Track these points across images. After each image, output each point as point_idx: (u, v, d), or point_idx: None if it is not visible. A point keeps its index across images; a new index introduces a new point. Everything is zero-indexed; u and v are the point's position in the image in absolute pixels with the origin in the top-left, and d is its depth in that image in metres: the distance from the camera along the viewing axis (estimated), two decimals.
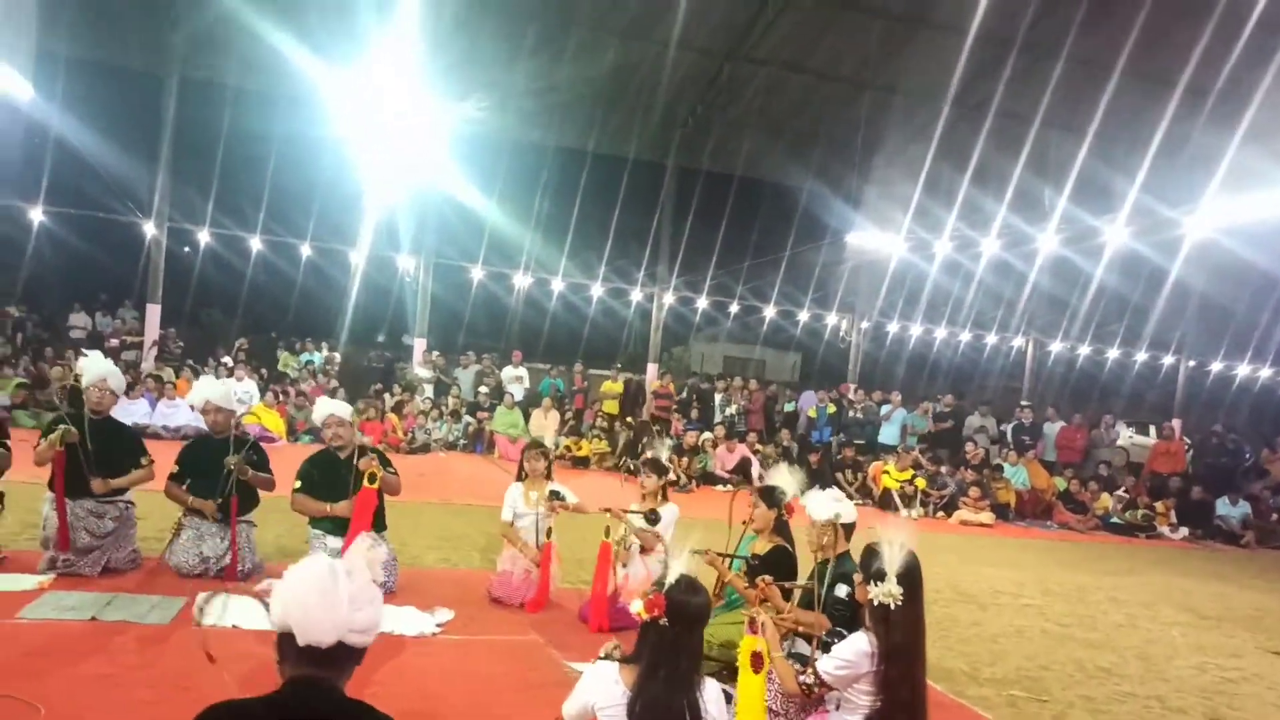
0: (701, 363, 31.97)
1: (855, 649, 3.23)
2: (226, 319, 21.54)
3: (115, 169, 16.83)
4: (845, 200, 19.31)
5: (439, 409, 15.89)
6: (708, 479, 13.77)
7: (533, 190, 18.95)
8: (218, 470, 5.91)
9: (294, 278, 18.93)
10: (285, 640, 2.11)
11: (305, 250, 18.43)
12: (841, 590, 4.21)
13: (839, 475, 13.41)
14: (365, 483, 5.89)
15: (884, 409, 15.78)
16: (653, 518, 5.90)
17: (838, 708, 3.37)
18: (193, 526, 5.92)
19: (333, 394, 15.70)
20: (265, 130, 17.14)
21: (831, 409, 15.77)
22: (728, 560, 5.00)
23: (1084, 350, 23.30)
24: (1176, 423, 17.47)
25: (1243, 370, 23.72)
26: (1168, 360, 23.48)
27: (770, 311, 21.74)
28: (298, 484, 6.07)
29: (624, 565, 5.89)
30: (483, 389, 16.79)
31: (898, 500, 12.57)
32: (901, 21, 15.95)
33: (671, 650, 2.68)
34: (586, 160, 19.15)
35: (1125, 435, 18.77)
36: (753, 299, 21.78)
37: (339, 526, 5.97)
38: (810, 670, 3.30)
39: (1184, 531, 13.33)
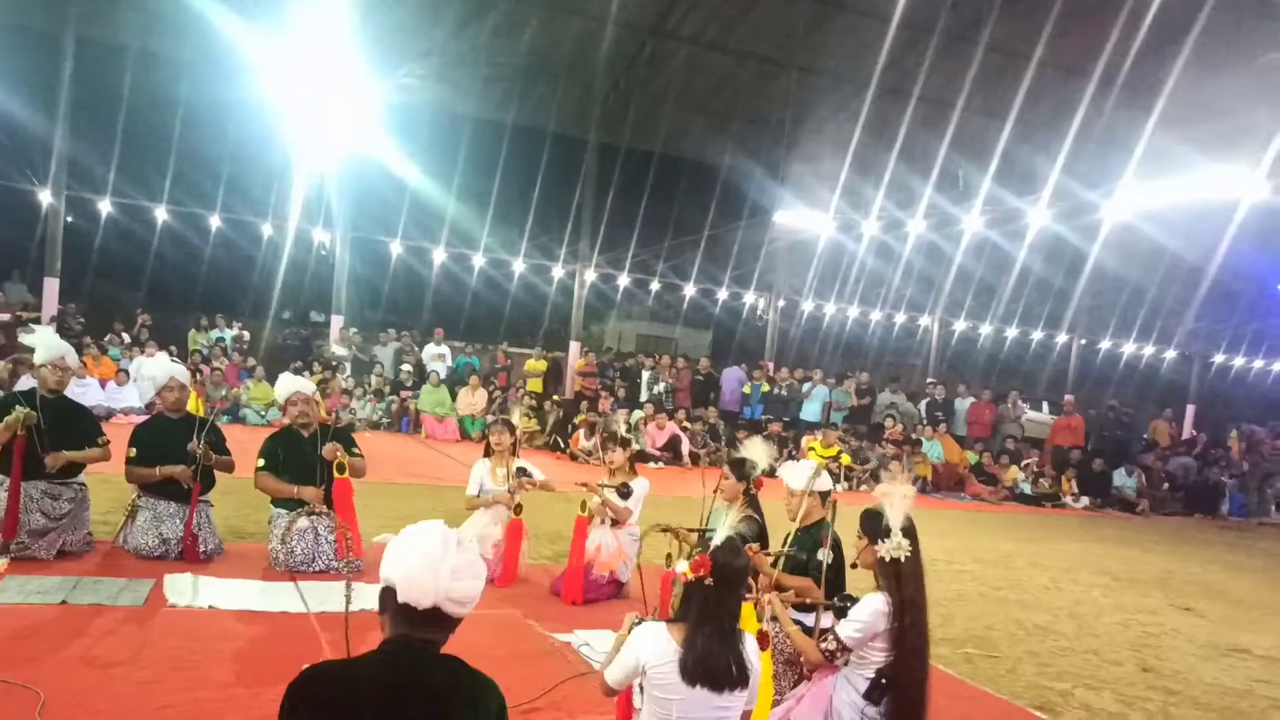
0: (618, 341, 32.10)
1: (872, 609, 3.42)
2: (128, 293, 20.56)
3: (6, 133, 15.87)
4: (766, 179, 19.64)
5: (362, 387, 15.62)
6: (639, 456, 13.92)
7: (452, 163, 18.64)
8: (179, 452, 5.74)
9: (202, 250, 18.22)
10: (387, 595, 2.18)
11: (214, 222, 17.77)
12: (822, 555, 4.42)
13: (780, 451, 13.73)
14: (335, 473, 5.83)
15: (805, 386, 16.21)
16: (625, 491, 6.01)
17: (845, 664, 3.56)
18: (149, 508, 5.75)
19: (251, 371, 15.34)
20: (171, 95, 16.36)
21: (765, 387, 16.12)
22: (697, 534, 5.17)
23: (985, 329, 24.33)
24: (1069, 398, 18.46)
25: (1129, 348, 25.19)
26: (1061, 338, 24.78)
27: (690, 289, 22.03)
28: (261, 463, 5.95)
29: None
30: (405, 367, 16.56)
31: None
32: (823, 3, 16.31)
33: (717, 608, 2.82)
34: (506, 134, 18.94)
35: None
36: (674, 277, 22.02)
37: (298, 506, 5.89)
38: (830, 637, 3.47)
39: (1085, 501, 14.20)
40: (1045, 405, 22.34)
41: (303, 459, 5.96)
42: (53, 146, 15.98)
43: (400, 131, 17.24)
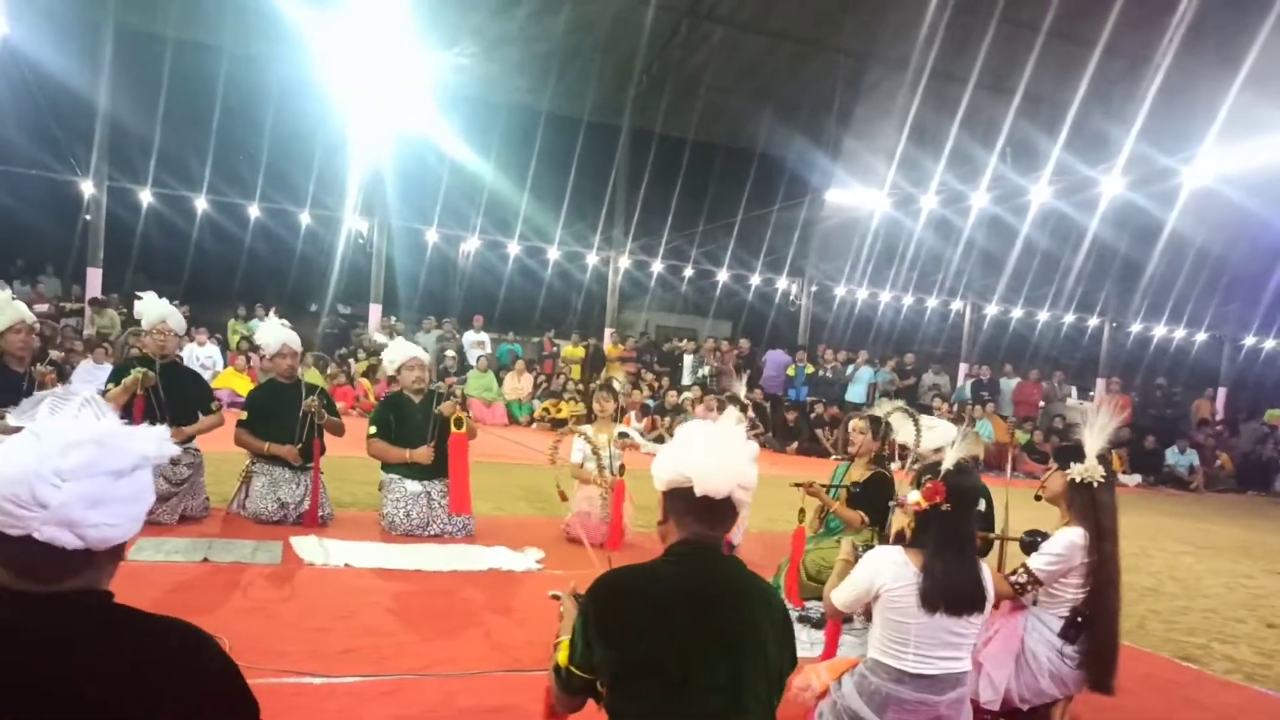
0: (642, 330, 32.05)
1: (1067, 542, 3.39)
2: (168, 285, 20.54)
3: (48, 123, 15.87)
4: (804, 161, 19.59)
5: None
6: None
7: (487, 150, 18.58)
8: (292, 415, 5.74)
9: (241, 240, 18.20)
10: (677, 495, 2.14)
11: (254, 211, 17.77)
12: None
13: (817, 432, 13.72)
14: (453, 428, 5.81)
15: (849, 368, 16.17)
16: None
17: (1034, 602, 3.53)
18: (264, 473, 5.75)
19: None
20: (210, 83, 16.32)
21: (810, 369, 16.08)
22: (828, 490, 5.20)
23: (1016, 313, 24.24)
24: (1115, 379, 18.32)
25: (1159, 331, 25.09)
26: (1092, 322, 24.67)
27: (724, 275, 21.99)
28: (372, 429, 5.95)
29: None
30: (449, 353, 16.54)
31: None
32: None
33: (955, 530, 2.79)
34: (541, 119, 18.87)
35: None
36: (707, 263, 21.98)
37: (415, 471, 5.88)
38: (1021, 569, 3.44)
39: (1137, 478, 14.14)
40: (1074, 390, 22.20)
41: (414, 424, 5.95)
42: (94, 136, 15.99)
43: (438, 118, 17.21)
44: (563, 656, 2.14)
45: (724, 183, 21.12)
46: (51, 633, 1.39)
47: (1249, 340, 26.11)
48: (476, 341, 17.54)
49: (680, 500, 2.14)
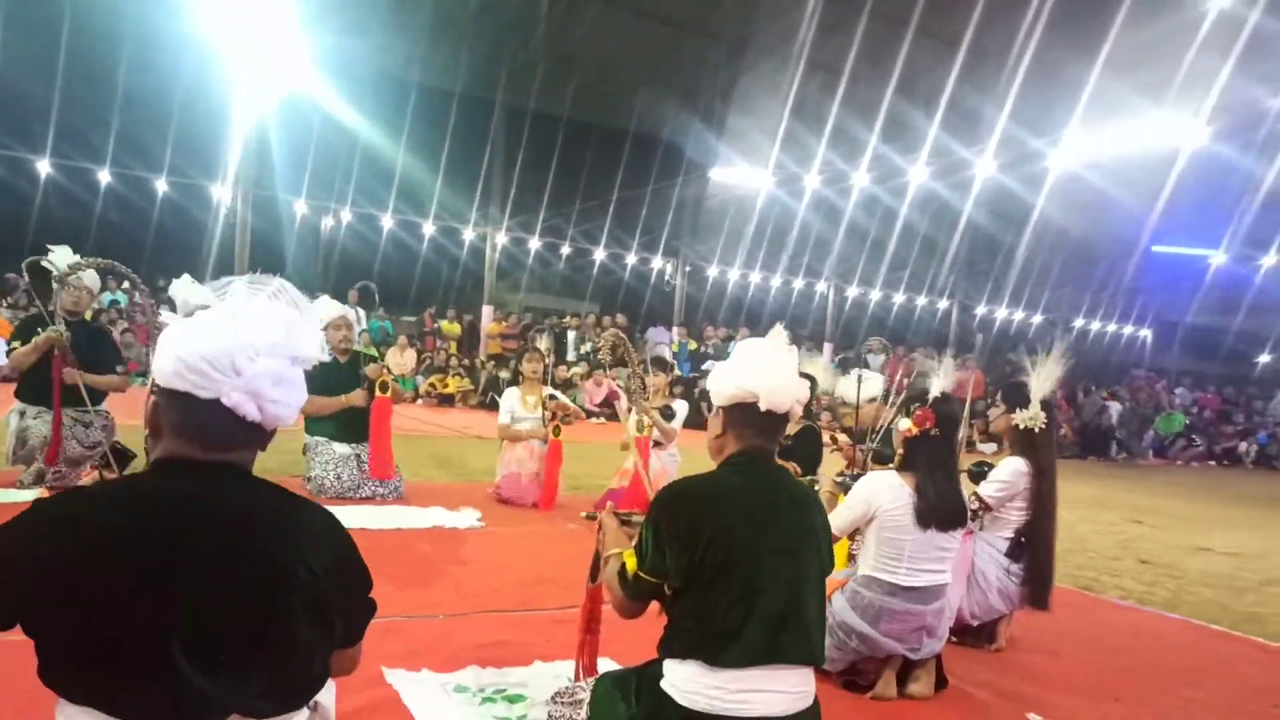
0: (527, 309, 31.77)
1: (1013, 469, 3.74)
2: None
3: None
4: (677, 142, 19.94)
5: None
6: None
7: (361, 122, 18.01)
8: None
9: (91, 207, 16.97)
10: (739, 410, 2.27)
11: (104, 177, 16.63)
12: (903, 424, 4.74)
13: (703, 407, 14.06)
14: (378, 391, 5.72)
15: (732, 346, 16.61)
16: (668, 413, 6.16)
17: (982, 528, 3.85)
18: None
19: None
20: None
21: (692, 345, 16.41)
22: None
23: (875, 295, 25.50)
24: (969, 356, 19.55)
25: (1000, 313, 26.95)
26: (942, 304, 26.24)
27: (600, 254, 22.13)
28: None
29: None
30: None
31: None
32: None
33: (942, 453, 3.04)
34: (414, 92, 18.43)
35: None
36: (584, 242, 22.05)
37: (344, 433, 5.77)
38: (973, 496, 3.75)
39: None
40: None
41: (338, 384, 5.82)
42: None
43: (311, 88, 16.56)
44: (631, 563, 2.23)
45: (600, 161, 21.19)
46: (241, 500, 1.48)
47: (1079, 322, 28.42)
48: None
49: (741, 414, 2.26)
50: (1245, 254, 18.76)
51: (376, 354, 6.47)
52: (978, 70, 15.53)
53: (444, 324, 18.59)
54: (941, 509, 2.97)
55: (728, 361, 2.38)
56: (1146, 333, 29.72)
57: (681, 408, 6.27)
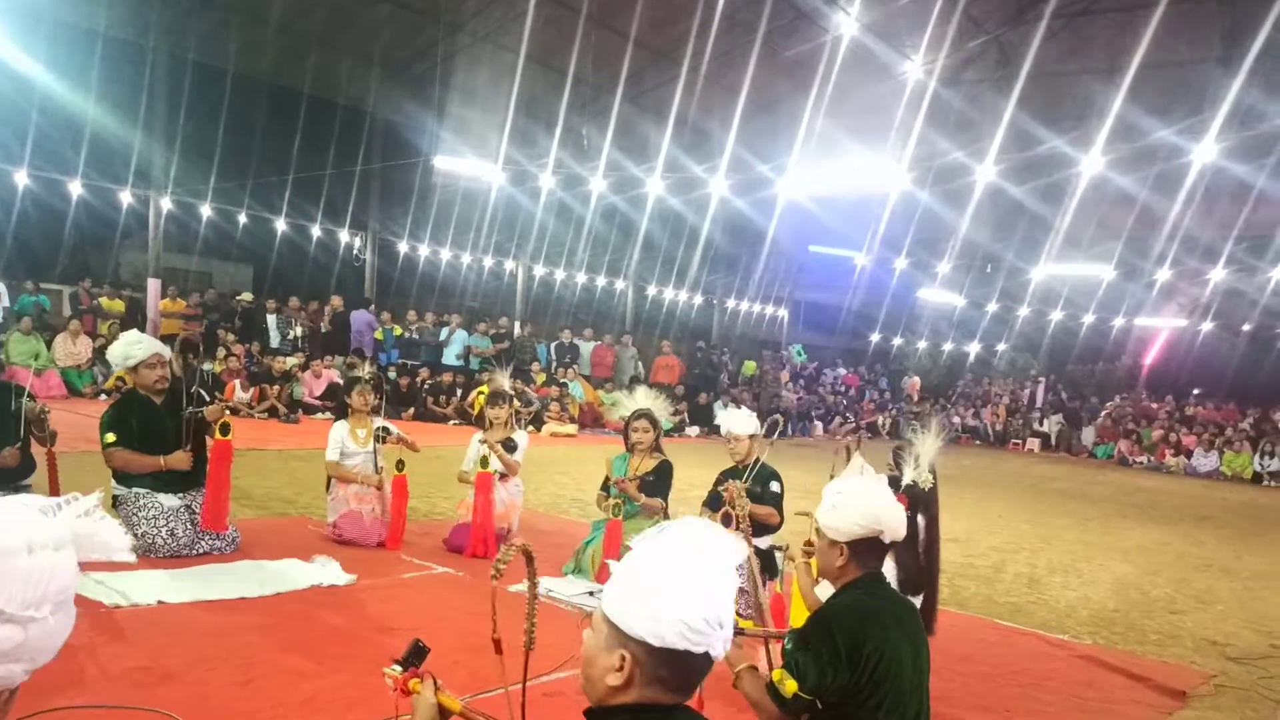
0: (134, 273, 28.28)
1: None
2: None
3: None
4: (361, 108, 19.16)
5: None
6: (298, 407, 13.16)
7: None
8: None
9: None
10: (864, 544, 2.63)
11: None
12: (774, 485, 5.31)
13: (429, 400, 13.88)
14: (218, 434, 5.18)
15: (444, 331, 16.43)
16: (510, 445, 6.22)
17: None
18: None
19: None
20: None
21: (398, 330, 15.95)
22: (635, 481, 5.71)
23: (559, 275, 26.33)
24: (666, 343, 21.03)
25: (682, 296, 29.14)
26: (619, 285, 27.77)
27: (282, 224, 20.58)
28: (110, 437, 5.07)
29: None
30: None
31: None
32: None
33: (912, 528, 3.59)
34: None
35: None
36: (263, 210, 20.36)
37: (170, 483, 5.18)
38: None
39: (696, 429, 16.64)
40: (635, 351, 24.87)
41: (162, 429, 5.20)
42: None
43: None
44: (790, 685, 2.50)
45: (276, 126, 19.64)
46: None
47: (730, 302, 31.50)
48: None
49: (867, 546, 2.63)
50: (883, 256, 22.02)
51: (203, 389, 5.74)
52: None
53: (104, 300, 16.36)
54: (920, 578, 3.53)
55: (842, 499, 2.69)
56: (784, 312, 33.71)
57: (523, 439, 6.35)
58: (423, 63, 19.18)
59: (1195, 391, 23.08)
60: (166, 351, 5.36)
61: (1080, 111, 16.26)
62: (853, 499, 2.69)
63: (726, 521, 4.93)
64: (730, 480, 5.08)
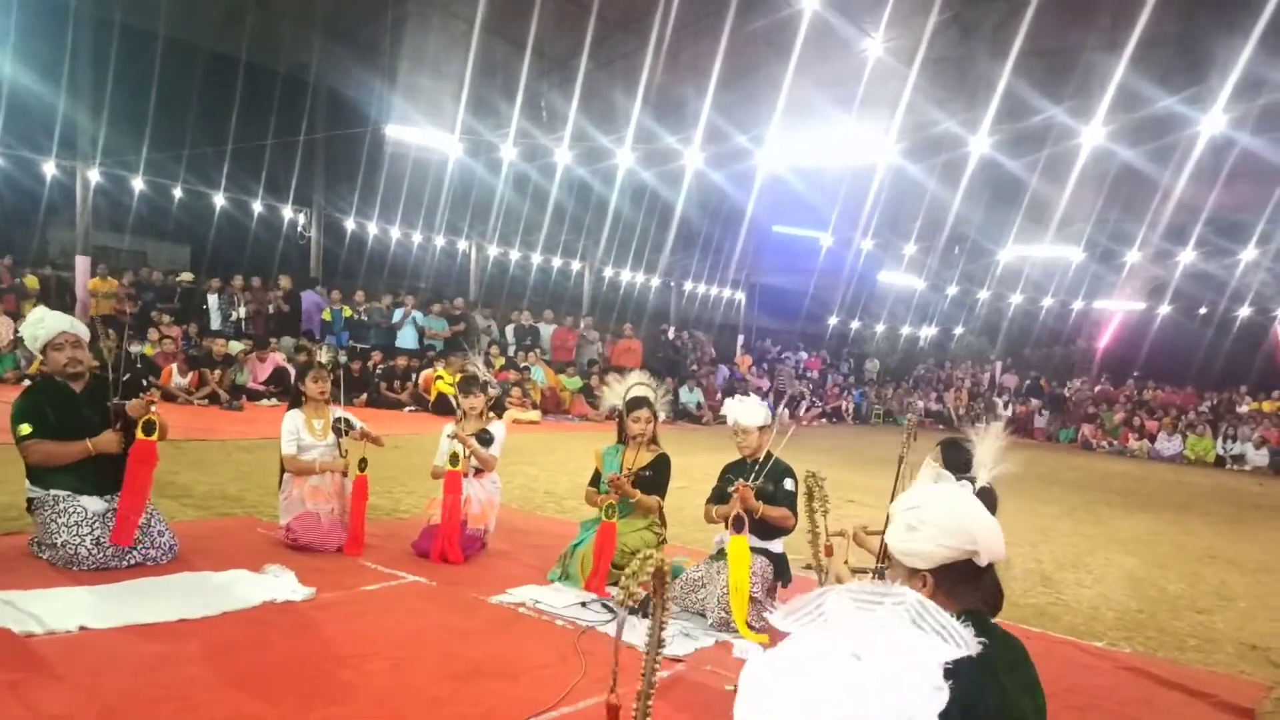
0: (61, 251, 26.82)
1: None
2: None
3: None
4: (303, 76, 18.18)
5: None
6: (242, 393, 12.27)
7: None
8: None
9: None
10: (953, 571, 2.10)
11: None
12: (789, 484, 4.75)
13: (383, 385, 13.11)
14: (140, 433, 4.43)
15: (397, 313, 15.61)
16: (485, 438, 5.58)
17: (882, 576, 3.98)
18: None
19: None
20: None
21: (347, 312, 15.11)
22: (631, 477, 5.12)
23: (514, 255, 25.53)
24: (628, 326, 20.40)
25: (626, 276, 28.49)
26: (575, 265, 27.07)
27: (221, 199, 19.49)
28: (26, 429, 4.33)
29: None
30: None
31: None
32: None
33: None
34: None
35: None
36: (199, 184, 19.25)
37: (89, 484, 4.45)
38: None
39: (662, 415, 16.05)
40: (598, 335, 24.19)
41: (80, 420, 4.46)
42: None
43: None
44: None
45: (213, 93, 18.53)
46: None
47: (689, 285, 30.98)
48: None
49: (958, 573, 2.11)
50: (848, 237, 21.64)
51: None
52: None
53: (27, 278, 15.25)
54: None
55: (921, 515, 2.15)
56: (741, 295, 33.29)
57: (500, 431, 5.71)
58: (370, 26, 18.27)
59: (1136, 375, 23.14)
60: (82, 330, 4.61)
61: (1054, 89, 15.97)
62: (934, 514, 2.14)
63: (739, 525, 4.40)
64: (739, 481, 4.53)
